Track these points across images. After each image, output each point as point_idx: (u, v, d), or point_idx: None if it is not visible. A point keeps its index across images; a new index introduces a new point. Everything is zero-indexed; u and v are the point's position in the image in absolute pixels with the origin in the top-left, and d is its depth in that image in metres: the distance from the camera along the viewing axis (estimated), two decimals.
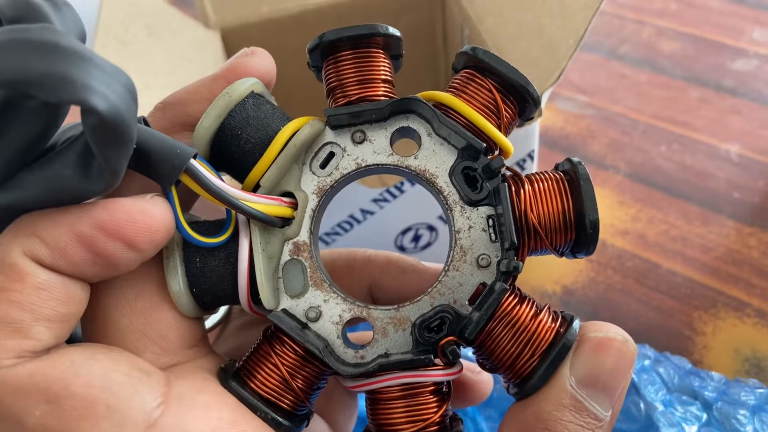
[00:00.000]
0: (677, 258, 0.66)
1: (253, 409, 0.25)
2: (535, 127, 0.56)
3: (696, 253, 0.66)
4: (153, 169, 0.23)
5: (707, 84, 0.84)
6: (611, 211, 0.71)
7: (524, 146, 0.57)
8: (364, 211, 0.56)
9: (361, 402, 0.43)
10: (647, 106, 0.82)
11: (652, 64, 0.88)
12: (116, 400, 0.21)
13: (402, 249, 0.63)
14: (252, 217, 0.25)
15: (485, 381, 0.33)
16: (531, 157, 0.58)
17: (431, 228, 0.61)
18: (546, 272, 0.66)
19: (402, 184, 0.54)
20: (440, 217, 0.60)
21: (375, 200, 0.55)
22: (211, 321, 0.35)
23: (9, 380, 0.21)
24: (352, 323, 0.27)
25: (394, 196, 0.55)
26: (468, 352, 0.33)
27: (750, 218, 0.68)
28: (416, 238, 0.62)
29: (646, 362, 0.50)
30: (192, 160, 0.23)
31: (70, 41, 0.19)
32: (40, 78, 0.18)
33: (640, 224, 0.69)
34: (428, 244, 0.63)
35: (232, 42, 0.70)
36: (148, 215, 0.23)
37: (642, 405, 0.46)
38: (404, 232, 0.61)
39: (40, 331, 0.21)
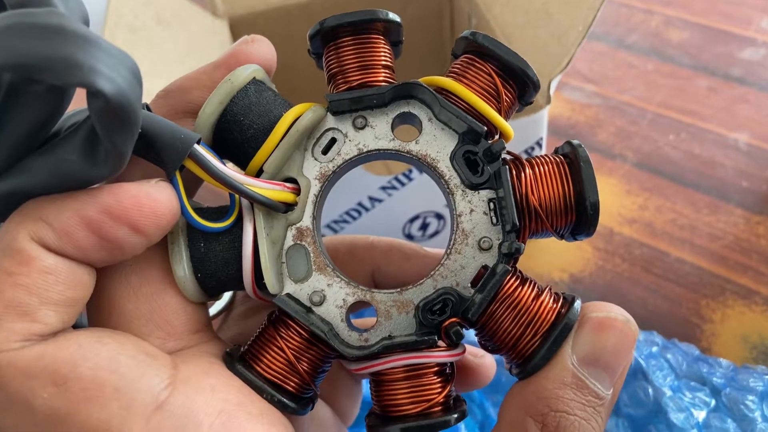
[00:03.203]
0: (685, 246, 0.66)
1: (259, 392, 0.25)
2: (543, 114, 0.56)
3: (704, 242, 0.66)
4: (157, 154, 0.23)
5: (715, 73, 0.83)
6: (619, 199, 0.71)
7: (532, 134, 0.57)
8: (372, 199, 0.56)
9: (366, 388, 0.43)
10: (655, 96, 0.82)
11: (660, 53, 0.87)
12: (124, 383, 0.21)
13: (410, 237, 0.63)
14: (256, 201, 0.25)
15: (488, 365, 0.33)
16: (539, 144, 0.58)
17: (439, 216, 0.61)
18: (553, 260, 0.66)
19: (410, 171, 0.54)
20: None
21: (383, 188, 0.55)
22: (214, 308, 0.35)
23: (17, 363, 0.21)
24: (356, 307, 0.27)
25: (402, 184, 0.55)
26: (470, 336, 0.33)
27: (758, 207, 0.68)
28: (424, 227, 0.62)
29: (654, 349, 0.50)
30: (196, 145, 0.23)
31: (76, 25, 0.19)
32: (46, 61, 0.18)
33: (648, 213, 0.69)
34: (436, 233, 0.63)
35: (239, 31, 0.70)
36: (153, 199, 0.23)
37: (650, 390, 0.46)
38: (412, 220, 0.61)
39: (47, 315, 0.21)
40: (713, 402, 0.46)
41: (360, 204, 0.57)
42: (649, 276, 0.64)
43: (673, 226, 0.67)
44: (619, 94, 0.83)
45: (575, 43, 0.49)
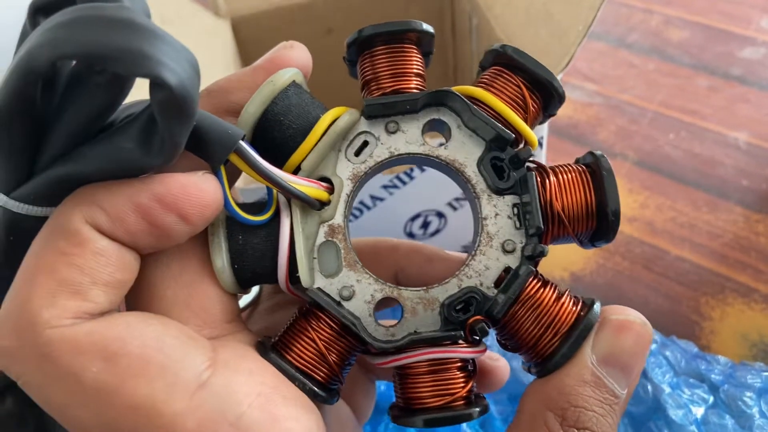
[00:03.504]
0: (685, 244, 0.66)
1: (292, 379, 0.26)
2: None
3: (704, 240, 0.66)
4: (205, 148, 0.24)
5: (715, 72, 0.84)
6: (620, 198, 0.71)
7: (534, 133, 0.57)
8: (373, 198, 0.57)
9: (379, 390, 0.44)
10: (655, 95, 0.82)
11: (661, 52, 0.88)
12: (169, 361, 0.22)
13: (411, 235, 0.63)
14: (295, 197, 0.26)
15: (502, 368, 0.35)
16: (540, 144, 0.59)
17: (440, 214, 0.62)
18: (554, 259, 0.67)
19: (411, 170, 0.54)
20: (449, 204, 0.60)
21: (385, 186, 0.56)
22: (242, 302, 0.36)
23: (69, 338, 0.21)
24: (383, 304, 0.28)
25: (404, 183, 0.56)
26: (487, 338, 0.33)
27: (758, 205, 0.68)
28: (425, 225, 0.62)
29: (653, 346, 0.51)
30: (240, 141, 0.24)
31: (143, 19, 0.20)
32: (117, 52, 0.20)
33: (649, 211, 0.69)
34: (437, 231, 0.64)
35: (242, 30, 0.70)
36: (200, 189, 0.24)
37: (650, 387, 0.46)
38: (413, 218, 0.61)
39: (97, 294, 0.22)
40: (711, 399, 0.47)
41: (362, 203, 0.57)
42: (649, 274, 0.64)
43: (674, 225, 0.68)
44: (620, 93, 0.83)
45: (576, 43, 0.49)
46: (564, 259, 0.67)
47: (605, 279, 0.64)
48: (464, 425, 0.48)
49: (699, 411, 0.46)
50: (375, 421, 0.47)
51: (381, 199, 0.57)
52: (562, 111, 0.82)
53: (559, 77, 0.51)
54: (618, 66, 0.87)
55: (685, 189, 0.71)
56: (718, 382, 0.47)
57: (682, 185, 0.71)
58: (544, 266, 0.66)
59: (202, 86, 0.28)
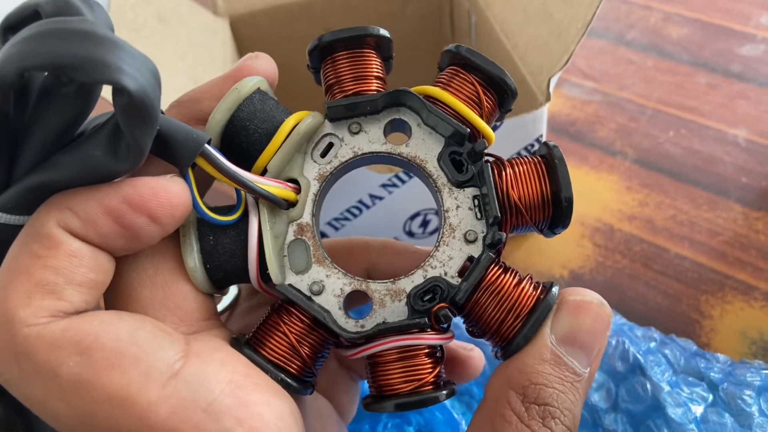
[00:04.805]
0: (685, 242, 0.66)
1: (264, 371, 0.27)
2: (543, 112, 0.56)
3: (704, 238, 0.66)
4: (172, 152, 0.25)
5: (715, 69, 0.83)
6: (618, 196, 0.71)
7: (532, 131, 0.57)
8: (372, 197, 0.57)
9: (363, 385, 0.44)
10: (654, 92, 0.82)
11: (660, 49, 0.88)
12: (142, 353, 0.23)
13: (411, 234, 0.63)
14: (261, 196, 0.27)
15: (477, 357, 0.36)
16: (539, 142, 0.59)
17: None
18: (553, 257, 0.67)
19: None
20: None
21: (384, 185, 0.56)
22: (221, 305, 0.37)
23: (45, 335, 0.22)
24: (353, 299, 0.30)
25: (403, 182, 0.56)
26: (461, 333, 0.34)
27: (758, 203, 0.68)
28: (425, 223, 0.62)
29: (652, 344, 0.51)
30: (206, 145, 0.26)
31: (104, 30, 0.22)
32: (79, 62, 0.21)
33: (648, 209, 0.69)
34: (436, 229, 0.63)
35: (240, 29, 0.70)
36: (169, 191, 0.25)
37: (648, 386, 0.46)
38: (413, 217, 0.61)
39: (71, 294, 0.23)
40: (711, 397, 0.47)
41: (361, 202, 0.57)
42: (649, 272, 0.64)
43: (673, 223, 0.68)
44: (619, 90, 0.83)
45: (575, 41, 0.49)
46: (563, 257, 0.67)
47: (605, 277, 0.64)
48: (463, 423, 0.48)
49: (698, 409, 0.46)
50: (374, 422, 0.47)
51: (380, 198, 0.57)
52: (561, 109, 0.82)
53: (557, 75, 0.51)
54: (617, 63, 0.87)
55: (685, 187, 0.71)
56: (718, 380, 0.47)
57: (682, 183, 0.71)
58: (544, 264, 0.66)
59: (196, 85, 0.29)
